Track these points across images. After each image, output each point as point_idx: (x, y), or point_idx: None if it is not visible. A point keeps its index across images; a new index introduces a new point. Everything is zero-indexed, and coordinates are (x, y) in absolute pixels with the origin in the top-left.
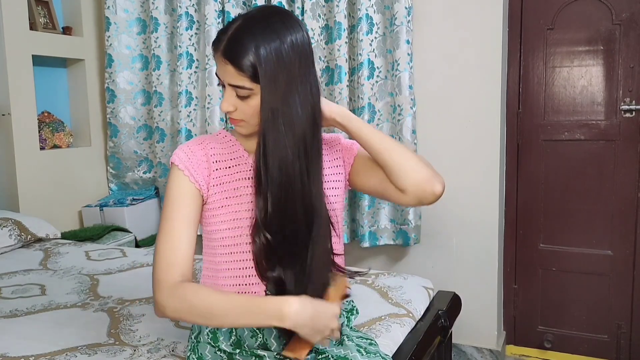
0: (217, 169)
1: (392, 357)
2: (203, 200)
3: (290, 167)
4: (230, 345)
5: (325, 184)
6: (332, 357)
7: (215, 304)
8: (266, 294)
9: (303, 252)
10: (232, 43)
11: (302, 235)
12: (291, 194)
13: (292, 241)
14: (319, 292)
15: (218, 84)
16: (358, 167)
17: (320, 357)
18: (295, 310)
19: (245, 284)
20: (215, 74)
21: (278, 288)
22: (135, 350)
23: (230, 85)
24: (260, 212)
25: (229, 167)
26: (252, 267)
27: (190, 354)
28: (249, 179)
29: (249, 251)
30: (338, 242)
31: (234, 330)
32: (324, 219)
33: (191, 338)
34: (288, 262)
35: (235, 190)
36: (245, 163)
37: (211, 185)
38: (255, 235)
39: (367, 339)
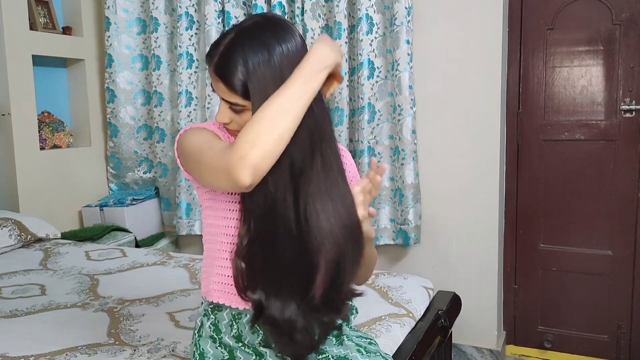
0: None
1: (392, 357)
2: None
3: (274, 195)
4: (233, 337)
5: None
6: (332, 357)
7: (270, 108)
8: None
9: (296, 282)
10: (222, 60)
11: (290, 265)
12: (276, 222)
13: (276, 270)
14: (325, 325)
15: (213, 91)
16: None
17: (320, 357)
18: (316, 48)
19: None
20: (210, 85)
21: (257, 311)
22: (135, 350)
23: (224, 100)
24: (241, 239)
25: None
26: None
27: (193, 349)
28: None
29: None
30: None
31: (234, 324)
32: (332, 253)
33: (195, 333)
34: (272, 288)
35: None
36: None
37: None
38: (234, 260)
39: (367, 338)
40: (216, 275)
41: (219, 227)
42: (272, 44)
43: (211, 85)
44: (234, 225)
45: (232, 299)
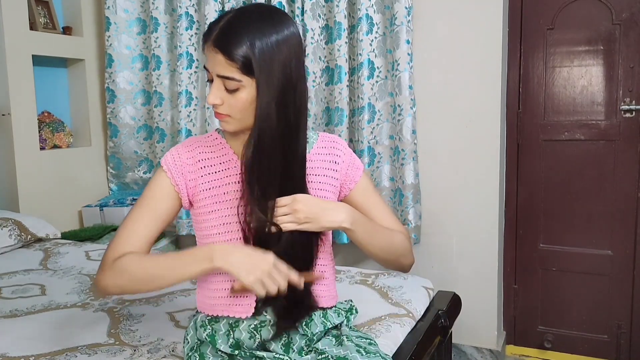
0: (206, 174)
1: (392, 357)
2: (180, 205)
3: (277, 159)
4: (229, 347)
5: (312, 185)
6: (332, 357)
7: (150, 266)
8: (256, 301)
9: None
10: (224, 32)
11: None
12: (278, 180)
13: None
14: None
15: (207, 80)
16: (351, 203)
17: (319, 357)
18: (223, 249)
19: None
20: (204, 67)
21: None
22: (135, 350)
23: (218, 76)
24: (252, 200)
25: (218, 172)
26: None
27: (192, 353)
28: (238, 182)
29: None
30: (325, 253)
31: (231, 333)
32: None
33: (187, 339)
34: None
35: (225, 195)
36: (235, 167)
37: (199, 190)
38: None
39: (366, 338)
40: (215, 290)
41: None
42: (278, 27)
43: (205, 67)
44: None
45: (235, 310)
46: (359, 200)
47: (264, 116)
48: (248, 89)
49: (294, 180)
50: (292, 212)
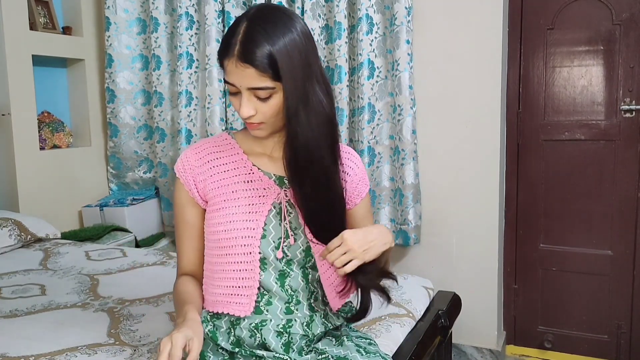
0: (215, 173)
1: (392, 357)
2: (200, 206)
3: (318, 152)
4: (230, 344)
5: None
6: (332, 357)
7: (174, 302)
8: (256, 303)
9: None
10: (247, 46)
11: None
12: (323, 177)
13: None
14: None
15: (231, 93)
16: (350, 218)
17: (319, 357)
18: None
19: (237, 286)
20: (225, 81)
21: None
22: (135, 350)
23: (249, 89)
24: (301, 202)
25: (227, 171)
26: (244, 270)
27: None
28: (246, 182)
29: (242, 253)
30: None
31: (232, 331)
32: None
33: None
34: None
35: (232, 193)
36: (244, 166)
37: (209, 189)
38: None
39: (366, 338)
40: (219, 287)
41: (236, 247)
42: (291, 24)
43: (225, 81)
44: (250, 242)
45: (234, 308)
46: (357, 218)
47: (293, 114)
48: (279, 93)
49: (329, 170)
50: (348, 251)
